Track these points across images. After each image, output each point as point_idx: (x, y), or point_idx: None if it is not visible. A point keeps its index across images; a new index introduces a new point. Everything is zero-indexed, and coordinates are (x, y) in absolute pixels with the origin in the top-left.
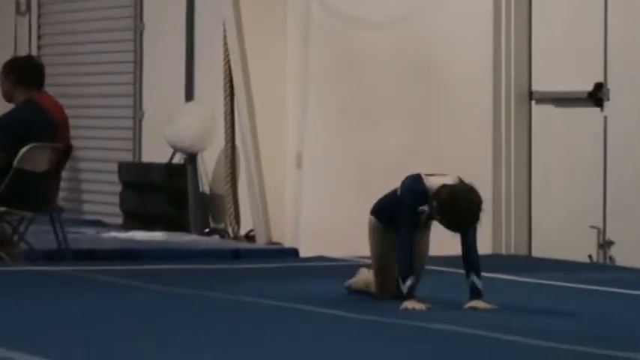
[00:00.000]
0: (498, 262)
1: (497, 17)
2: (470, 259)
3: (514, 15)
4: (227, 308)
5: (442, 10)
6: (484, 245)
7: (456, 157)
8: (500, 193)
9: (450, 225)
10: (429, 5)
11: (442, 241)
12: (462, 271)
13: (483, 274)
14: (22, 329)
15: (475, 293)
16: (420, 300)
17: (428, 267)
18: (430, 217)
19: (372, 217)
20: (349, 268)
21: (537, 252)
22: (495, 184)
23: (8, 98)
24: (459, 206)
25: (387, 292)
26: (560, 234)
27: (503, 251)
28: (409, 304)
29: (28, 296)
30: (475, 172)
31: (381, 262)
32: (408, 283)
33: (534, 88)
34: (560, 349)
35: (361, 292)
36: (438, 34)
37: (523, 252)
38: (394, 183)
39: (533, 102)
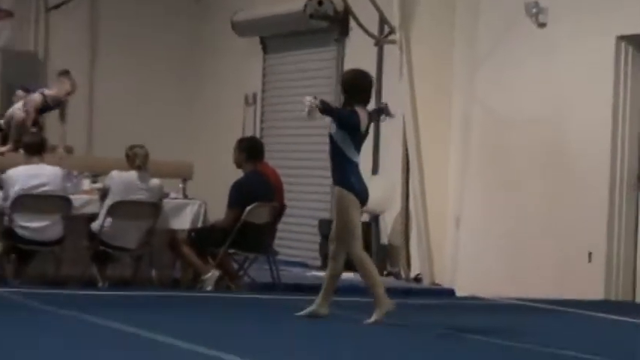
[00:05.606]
0: (610, 305)
1: (615, 120)
2: None
3: (629, 117)
4: (394, 333)
5: (572, 114)
6: (598, 292)
7: (575, 226)
8: (612, 254)
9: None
10: (561, 109)
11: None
12: None
13: (599, 314)
14: (248, 344)
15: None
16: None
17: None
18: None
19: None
20: (497, 306)
21: None
22: (609, 247)
23: (238, 166)
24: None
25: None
26: None
27: (613, 297)
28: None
29: (250, 318)
30: (592, 238)
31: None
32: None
33: None
34: None
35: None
36: (567, 132)
37: (629, 298)
38: (531, 245)
39: None
